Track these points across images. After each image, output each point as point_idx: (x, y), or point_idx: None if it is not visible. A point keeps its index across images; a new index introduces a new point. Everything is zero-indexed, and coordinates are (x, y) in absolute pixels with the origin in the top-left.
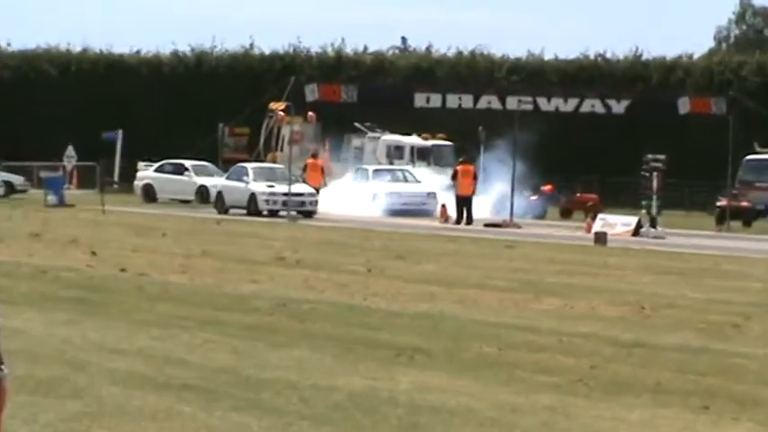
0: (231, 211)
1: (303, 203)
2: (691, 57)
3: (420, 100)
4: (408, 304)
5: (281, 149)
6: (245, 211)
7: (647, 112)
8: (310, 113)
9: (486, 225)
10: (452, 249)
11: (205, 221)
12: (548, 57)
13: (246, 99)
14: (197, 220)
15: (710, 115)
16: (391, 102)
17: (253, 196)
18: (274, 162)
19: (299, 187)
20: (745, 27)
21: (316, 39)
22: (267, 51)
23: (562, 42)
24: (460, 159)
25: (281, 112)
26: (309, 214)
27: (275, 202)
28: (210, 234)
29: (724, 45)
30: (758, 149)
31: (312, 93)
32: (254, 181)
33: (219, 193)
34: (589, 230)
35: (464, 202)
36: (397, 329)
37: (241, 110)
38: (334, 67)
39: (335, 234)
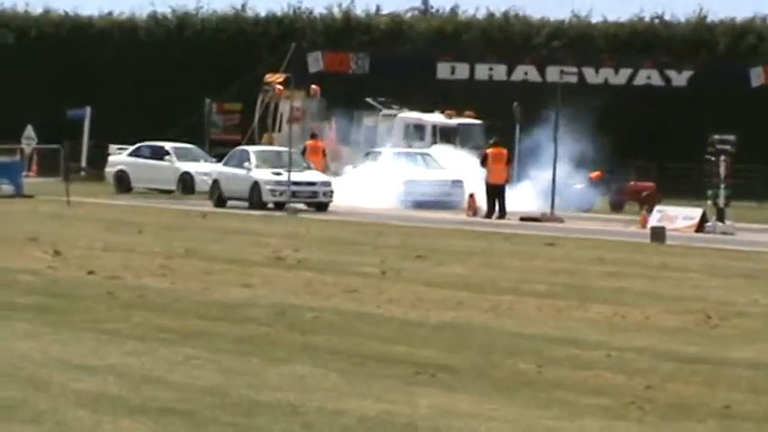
0: (230, 203)
1: (316, 194)
2: (764, 19)
3: (443, 70)
4: (430, 312)
5: (279, 129)
6: (246, 204)
7: (713, 85)
8: (314, 87)
9: (523, 219)
10: (482, 248)
11: (189, 215)
12: (595, 19)
13: (238, 70)
14: (179, 214)
15: None
16: (410, 73)
17: (256, 186)
18: (270, 144)
19: (310, 175)
20: None
21: None
22: (262, 13)
23: (612, 2)
24: (491, 141)
25: (279, 86)
26: (323, 206)
27: (282, 193)
28: (195, 230)
29: None
30: None
31: (316, 62)
32: (258, 167)
33: (216, 182)
34: (644, 225)
35: (496, 192)
36: (417, 342)
37: (231, 83)
38: (342, 31)
39: (343, 230)
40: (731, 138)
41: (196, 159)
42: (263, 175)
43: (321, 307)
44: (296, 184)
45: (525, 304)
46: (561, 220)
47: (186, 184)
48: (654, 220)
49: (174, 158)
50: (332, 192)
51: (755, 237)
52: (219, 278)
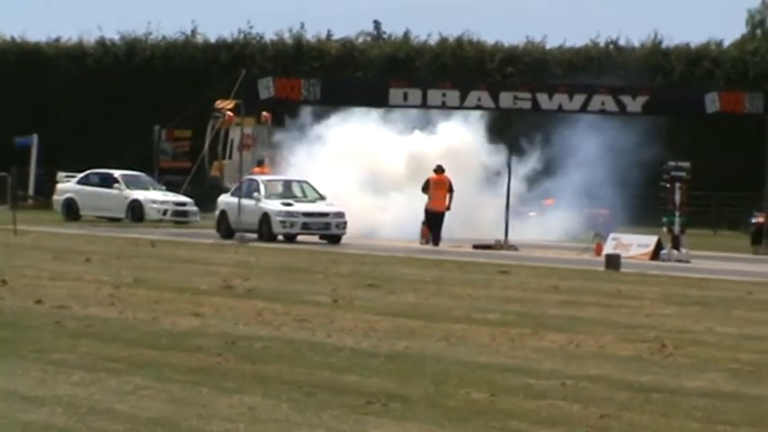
0: (202, 232)
1: (328, 225)
2: (720, 45)
3: (396, 97)
4: (382, 342)
5: (230, 156)
6: (255, 236)
7: (668, 111)
8: (264, 113)
9: (476, 247)
10: (434, 276)
11: (138, 243)
12: (550, 45)
13: (188, 96)
14: (128, 242)
15: (744, 114)
16: (362, 99)
17: (266, 217)
18: (220, 172)
19: (322, 206)
20: None
21: (271, 24)
22: (212, 39)
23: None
24: (435, 168)
25: (229, 112)
26: (336, 239)
27: (293, 225)
28: (144, 258)
29: (759, 31)
30: None
31: (266, 89)
32: (267, 198)
33: (223, 213)
34: (599, 253)
35: (435, 219)
36: (369, 372)
37: (181, 109)
38: (293, 57)
39: (295, 258)
40: (686, 164)
41: (145, 187)
42: (273, 205)
43: (272, 336)
44: (308, 215)
45: (478, 333)
46: (515, 248)
47: (135, 211)
48: (608, 248)
49: (123, 186)
50: (345, 223)
51: (711, 264)
52: (169, 307)
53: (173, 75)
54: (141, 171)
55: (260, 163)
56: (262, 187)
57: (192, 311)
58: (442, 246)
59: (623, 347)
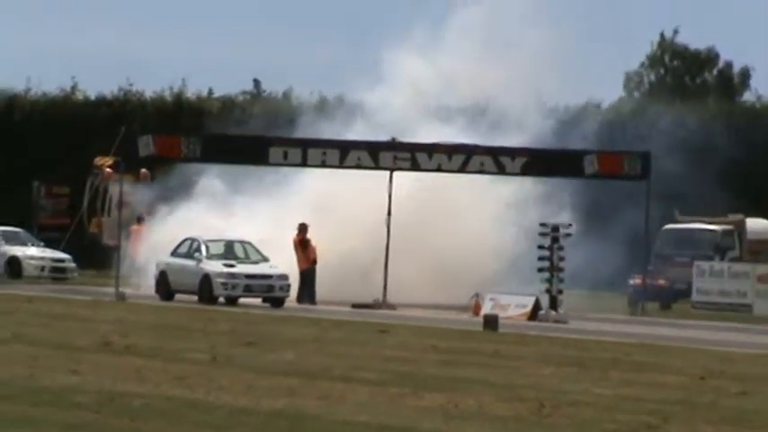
0: (80, 288)
1: (272, 288)
2: (598, 106)
3: (276, 155)
4: (261, 400)
5: (109, 213)
6: (195, 298)
7: (546, 172)
8: (143, 171)
9: (355, 306)
10: (313, 335)
11: (14, 300)
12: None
13: (67, 153)
14: (5, 298)
15: (622, 176)
16: (242, 157)
17: (207, 278)
18: (99, 229)
19: (265, 268)
20: (663, 71)
21: (151, 80)
22: (93, 95)
23: (447, 82)
24: (299, 225)
25: (109, 169)
26: (279, 302)
27: (235, 287)
28: (22, 314)
29: (636, 93)
30: (678, 218)
31: (146, 146)
32: (209, 259)
33: (163, 274)
34: (477, 313)
35: (309, 277)
36: (248, 430)
37: (60, 165)
38: (174, 115)
39: (174, 315)
40: (566, 224)
41: (24, 243)
42: (215, 266)
43: (150, 394)
44: (250, 277)
45: (358, 392)
46: (394, 308)
47: (13, 268)
48: (486, 308)
49: (2, 242)
50: (289, 285)
51: (588, 325)
52: (46, 364)
53: (52, 131)
54: (20, 227)
55: (139, 220)
56: (203, 247)
57: (70, 368)
58: (320, 305)
59: (502, 407)
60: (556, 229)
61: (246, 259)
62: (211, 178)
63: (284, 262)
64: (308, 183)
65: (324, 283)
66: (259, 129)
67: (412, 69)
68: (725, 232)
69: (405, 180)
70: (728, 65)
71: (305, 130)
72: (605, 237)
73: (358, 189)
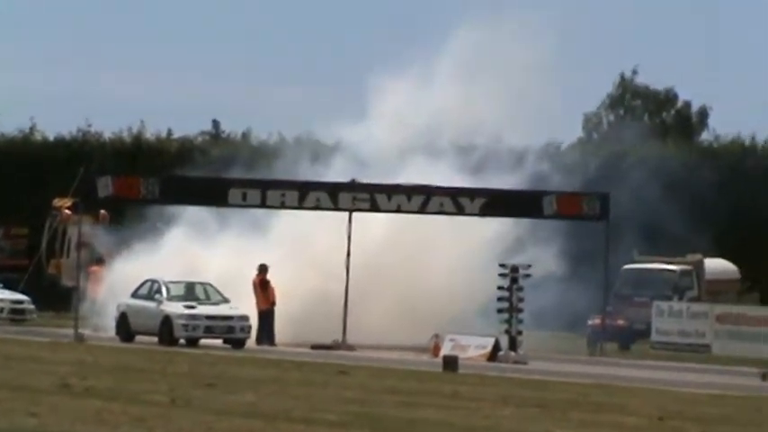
0: (39, 330)
1: (232, 329)
2: (558, 147)
3: (235, 196)
4: None
5: (68, 255)
6: (155, 339)
7: (505, 213)
8: (102, 212)
9: (314, 347)
10: (273, 376)
11: None
12: None
13: (26, 193)
14: None
15: (581, 217)
16: (201, 198)
17: (167, 320)
18: (58, 270)
19: (226, 309)
20: (622, 112)
21: (110, 121)
22: (51, 136)
23: (429, 122)
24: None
25: (67, 210)
26: (240, 343)
27: (196, 328)
28: None
29: (595, 134)
30: (637, 258)
31: (105, 187)
32: (170, 300)
33: (123, 316)
34: (437, 354)
35: (268, 318)
36: None
37: (19, 207)
38: (132, 155)
39: (133, 357)
40: (525, 265)
41: None
42: (175, 308)
43: None
44: (211, 318)
45: None
46: (353, 349)
47: None
48: (446, 349)
49: None
50: (250, 327)
51: (548, 366)
52: (4, 406)
53: (10, 172)
54: None
55: (99, 261)
56: (163, 289)
57: (28, 410)
58: (280, 345)
59: None
60: (515, 269)
61: (207, 300)
62: (178, 225)
63: (247, 303)
64: (272, 222)
65: (287, 324)
66: (218, 169)
67: (393, 105)
68: (683, 272)
69: (378, 219)
70: (687, 104)
71: (281, 171)
72: (577, 278)
73: (322, 229)
